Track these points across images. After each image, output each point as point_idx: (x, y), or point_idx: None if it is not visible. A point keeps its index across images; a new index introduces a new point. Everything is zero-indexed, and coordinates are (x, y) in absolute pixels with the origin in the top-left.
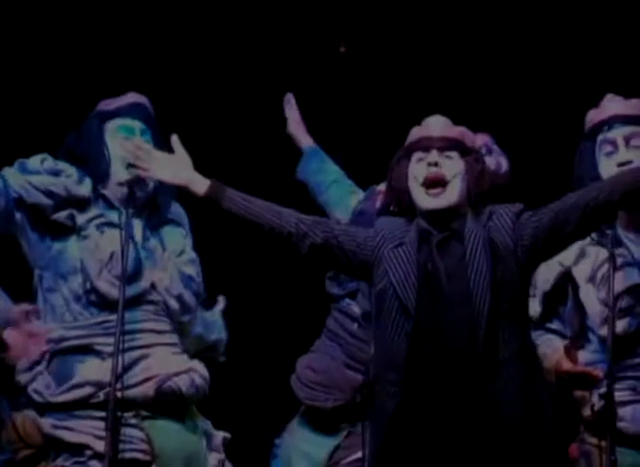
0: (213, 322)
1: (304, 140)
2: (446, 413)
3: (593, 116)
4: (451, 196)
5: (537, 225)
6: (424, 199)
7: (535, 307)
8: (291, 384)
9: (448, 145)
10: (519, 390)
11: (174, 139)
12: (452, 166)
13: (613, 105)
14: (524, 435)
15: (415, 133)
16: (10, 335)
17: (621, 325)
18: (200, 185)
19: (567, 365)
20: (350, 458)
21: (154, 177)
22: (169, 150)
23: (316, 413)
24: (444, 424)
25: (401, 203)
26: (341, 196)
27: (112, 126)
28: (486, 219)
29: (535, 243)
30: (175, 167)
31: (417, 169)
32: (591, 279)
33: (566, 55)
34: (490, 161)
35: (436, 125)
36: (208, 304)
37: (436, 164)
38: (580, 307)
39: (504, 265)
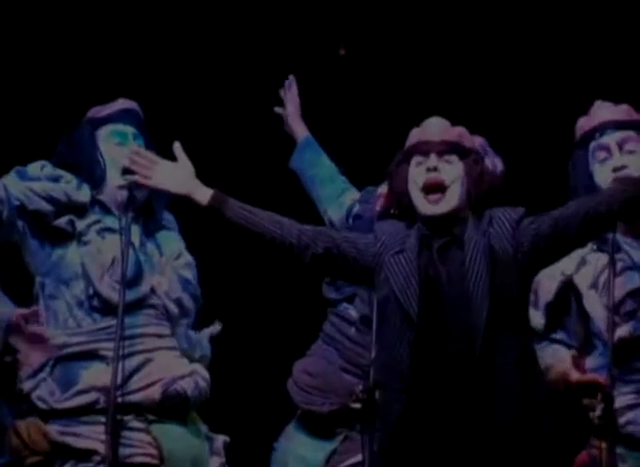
0: (198, 341)
1: (301, 129)
2: (448, 420)
3: (584, 123)
4: (451, 201)
5: (537, 232)
6: (424, 206)
7: (538, 319)
8: (287, 388)
9: (447, 149)
10: (516, 397)
11: (177, 146)
12: (451, 171)
13: (603, 111)
14: (521, 442)
15: (414, 136)
16: (16, 341)
17: (626, 329)
18: (203, 194)
19: (575, 375)
20: (347, 463)
21: (156, 187)
22: (160, 154)
23: (313, 418)
24: (446, 430)
25: (401, 206)
26: (336, 194)
27: (104, 133)
28: (487, 224)
29: (534, 250)
30: (178, 177)
31: (417, 174)
32: (594, 286)
33: (558, 61)
34: (487, 162)
35: (435, 128)
36: (200, 324)
37: (435, 169)
38: (584, 315)
39: (503, 271)
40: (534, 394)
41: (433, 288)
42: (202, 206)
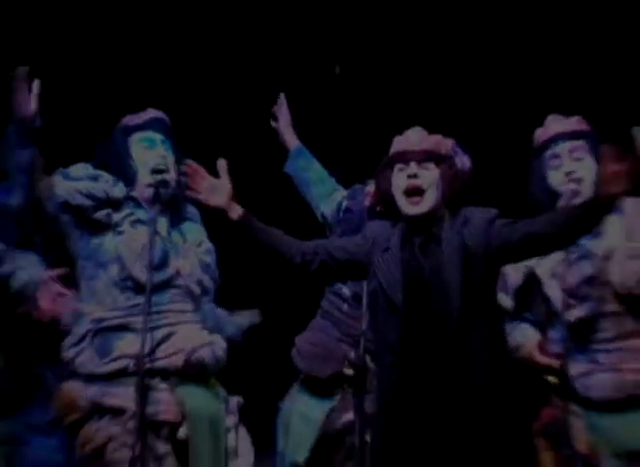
0: (229, 322)
1: (292, 139)
2: (432, 389)
3: (540, 134)
4: (429, 202)
5: (506, 238)
6: (406, 207)
7: (508, 302)
8: (292, 357)
9: (425, 157)
10: (486, 369)
11: (221, 165)
12: (429, 176)
13: (556, 124)
14: (491, 406)
15: (397, 144)
16: (40, 294)
17: (582, 310)
18: (235, 212)
19: (540, 358)
20: (343, 419)
21: (201, 201)
22: (185, 157)
23: (314, 382)
24: (430, 397)
25: (386, 205)
26: (327, 192)
27: (136, 138)
28: (461, 224)
29: (502, 253)
30: (220, 194)
31: (399, 179)
32: (553, 275)
33: (519, 80)
34: (457, 161)
35: (414, 139)
36: (218, 301)
37: (415, 176)
38: (544, 299)
39: (474, 264)
40: (502, 366)
41: (415, 279)
42: (232, 220)
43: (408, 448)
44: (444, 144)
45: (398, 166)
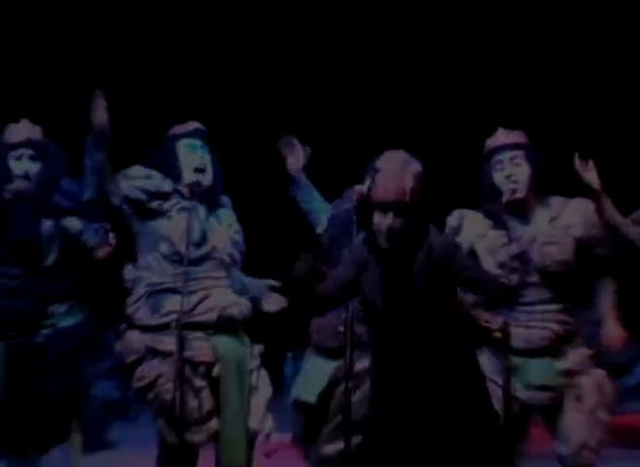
0: (249, 284)
1: (299, 173)
2: (405, 355)
3: (489, 143)
4: (401, 239)
5: (458, 274)
6: (384, 243)
7: None
8: (309, 332)
9: (400, 209)
10: (445, 342)
11: (307, 259)
12: (402, 220)
13: (502, 136)
14: (451, 365)
15: (377, 190)
16: (100, 244)
17: (514, 279)
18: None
19: (486, 318)
20: (342, 373)
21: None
22: (219, 159)
23: (325, 349)
24: (406, 364)
25: (368, 231)
26: (323, 214)
27: (181, 144)
28: (426, 251)
29: (455, 281)
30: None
31: (379, 221)
32: (490, 252)
33: (474, 99)
34: (410, 167)
35: (392, 189)
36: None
37: (392, 227)
38: None
39: (435, 280)
40: (459, 339)
41: (392, 289)
42: (300, 278)
43: (393, 395)
44: (414, 187)
45: (378, 211)
